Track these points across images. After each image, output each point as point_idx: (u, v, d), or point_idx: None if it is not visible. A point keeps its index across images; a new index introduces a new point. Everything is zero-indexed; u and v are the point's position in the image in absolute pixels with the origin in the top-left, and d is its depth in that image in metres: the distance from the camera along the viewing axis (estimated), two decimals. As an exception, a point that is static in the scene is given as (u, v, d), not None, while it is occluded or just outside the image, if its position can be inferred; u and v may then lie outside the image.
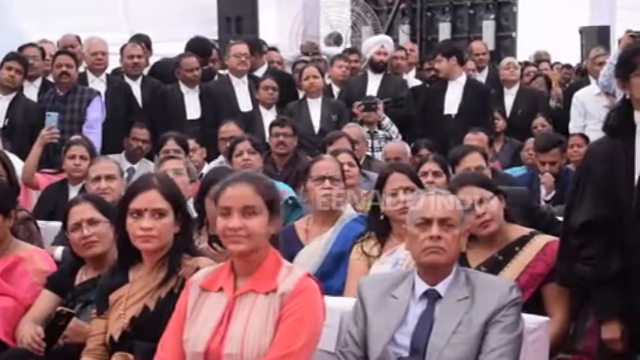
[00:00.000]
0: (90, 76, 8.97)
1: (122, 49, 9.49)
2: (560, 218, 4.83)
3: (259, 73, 9.83)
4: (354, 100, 9.22)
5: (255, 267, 3.62)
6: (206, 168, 7.60)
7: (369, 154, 8.42)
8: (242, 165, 6.65)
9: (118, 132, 8.54)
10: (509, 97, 10.16)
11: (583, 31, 14.11)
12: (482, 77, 10.61)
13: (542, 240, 4.65)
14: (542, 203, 7.04)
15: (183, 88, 9.11)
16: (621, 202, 4.19)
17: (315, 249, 5.24)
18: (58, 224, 5.50)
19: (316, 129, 8.82)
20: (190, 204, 5.43)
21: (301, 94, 9.43)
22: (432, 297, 3.84)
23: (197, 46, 10.07)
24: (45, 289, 4.61)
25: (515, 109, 10.07)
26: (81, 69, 9.09)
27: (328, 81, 10.09)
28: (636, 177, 4.12)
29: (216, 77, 10.05)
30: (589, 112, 8.83)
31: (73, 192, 6.67)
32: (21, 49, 9.04)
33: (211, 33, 11.53)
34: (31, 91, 8.69)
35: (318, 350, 3.73)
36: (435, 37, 15.14)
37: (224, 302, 3.61)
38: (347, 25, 14.14)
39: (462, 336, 3.71)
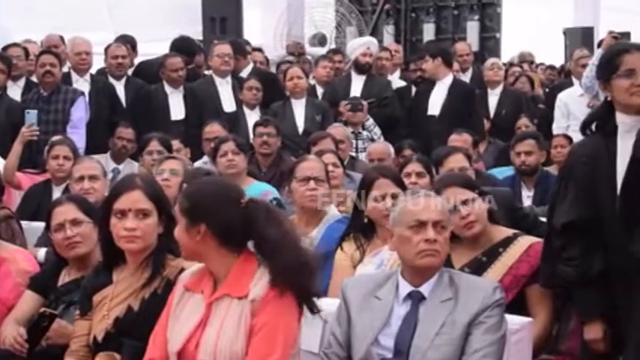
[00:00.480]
0: (74, 76, 8.94)
1: (107, 49, 9.47)
2: (544, 219, 4.85)
3: (244, 74, 9.81)
4: (338, 100, 9.23)
5: (227, 270, 3.60)
6: (190, 168, 7.59)
7: (353, 154, 8.43)
8: (226, 165, 6.66)
9: (101, 132, 8.52)
10: (493, 98, 10.18)
11: (567, 32, 14.17)
12: (466, 78, 10.62)
13: (525, 241, 4.65)
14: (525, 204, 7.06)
15: (168, 88, 9.10)
16: (603, 203, 4.21)
17: (299, 250, 5.23)
18: (41, 224, 5.49)
19: (300, 129, 8.83)
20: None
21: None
22: (416, 298, 3.84)
23: (182, 46, 10.07)
24: (28, 289, 4.59)
25: (499, 109, 10.09)
26: (65, 69, 9.06)
27: (312, 81, 10.09)
28: (618, 178, 4.13)
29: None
30: (572, 113, 8.85)
31: (57, 192, 6.66)
32: (4, 49, 9.00)
33: (196, 33, 11.51)
34: (15, 91, 8.65)
35: (301, 351, 3.73)
36: (420, 38, 15.16)
37: (203, 306, 3.60)
38: (331, 26, 14.16)
39: (446, 337, 3.71)
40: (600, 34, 11.26)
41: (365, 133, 8.96)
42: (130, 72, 9.67)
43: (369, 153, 8.20)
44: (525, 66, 13.00)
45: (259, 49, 11.52)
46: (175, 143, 7.67)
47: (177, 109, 9.07)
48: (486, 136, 9.47)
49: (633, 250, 3.87)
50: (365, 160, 8.26)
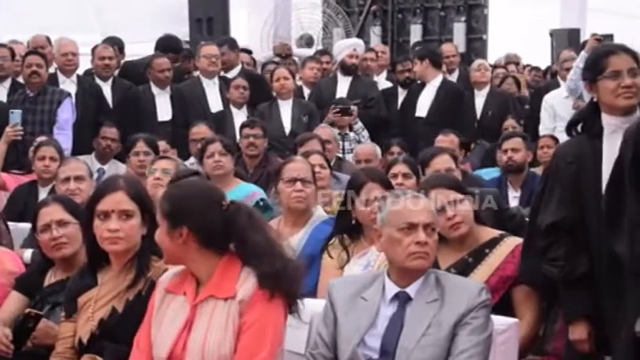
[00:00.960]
0: (60, 77, 8.92)
1: (93, 50, 9.46)
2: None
3: (233, 73, 9.81)
4: (325, 101, 9.23)
5: (211, 272, 3.59)
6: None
7: (340, 155, 8.43)
8: (213, 167, 6.64)
9: (88, 133, 8.50)
10: (480, 99, 10.18)
11: (553, 34, 14.19)
12: (452, 79, 10.60)
13: (512, 242, 4.66)
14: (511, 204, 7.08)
15: (155, 89, 9.09)
16: (588, 203, 4.22)
17: (285, 251, 5.23)
18: (27, 225, 5.47)
19: (287, 130, 8.82)
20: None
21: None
22: (402, 299, 3.84)
23: (167, 44, 10.07)
24: (14, 290, 4.57)
25: (486, 110, 10.09)
26: (51, 70, 9.04)
27: (299, 82, 10.09)
28: (603, 179, 4.14)
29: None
30: (558, 115, 8.86)
31: (43, 193, 6.65)
32: (-10, 49, 8.99)
33: (182, 34, 11.51)
34: (1, 92, 8.63)
35: (287, 352, 3.73)
36: (406, 39, 15.19)
37: (187, 308, 3.59)
38: (318, 27, 14.18)
39: (432, 338, 3.71)
40: (587, 36, 11.28)
41: (352, 134, 8.95)
42: (116, 73, 9.65)
43: (356, 154, 8.20)
44: (513, 67, 13.02)
45: (247, 51, 11.51)
46: (162, 144, 7.66)
47: (164, 110, 9.05)
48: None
49: (618, 250, 3.88)
50: (352, 161, 8.26)
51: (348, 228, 5.05)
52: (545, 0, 15.83)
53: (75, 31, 10.13)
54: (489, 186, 6.96)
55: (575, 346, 4.31)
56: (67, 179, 6.09)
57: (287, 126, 8.87)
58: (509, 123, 9.41)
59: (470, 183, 5.77)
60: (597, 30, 9.68)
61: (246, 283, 3.52)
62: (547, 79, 12.32)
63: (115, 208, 3.95)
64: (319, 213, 5.52)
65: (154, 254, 3.98)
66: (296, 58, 11.99)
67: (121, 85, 9.31)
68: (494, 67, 12.24)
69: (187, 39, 11.63)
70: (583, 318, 4.27)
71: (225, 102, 9.12)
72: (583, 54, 8.43)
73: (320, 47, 13.26)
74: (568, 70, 9.13)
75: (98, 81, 9.22)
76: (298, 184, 5.38)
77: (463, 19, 14.82)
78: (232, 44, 10.13)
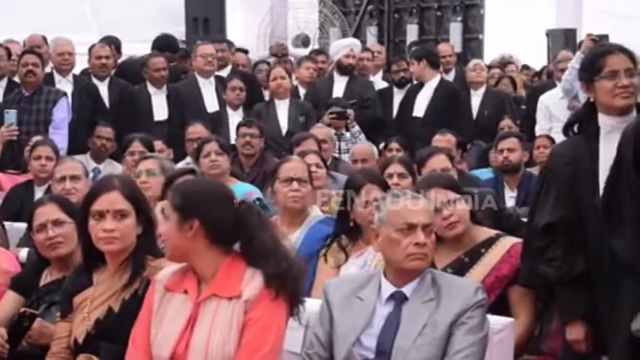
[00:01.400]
0: (56, 77, 8.91)
1: (90, 50, 9.45)
2: (526, 220, 4.86)
3: (224, 73, 9.81)
4: (321, 101, 9.22)
5: (215, 270, 3.59)
6: (173, 169, 7.58)
7: (336, 155, 8.42)
8: (209, 166, 6.65)
9: (84, 133, 8.49)
10: (476, 99, 10.17)
11: (550, 34, 14.18)
12: (448, 79, 10.63)
13: (507, 242, 4.67)
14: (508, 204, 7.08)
15: (151, 89, 9.09)
16: (585, 204, 4.22)
17: (282, 250, 5.23)
18: (23, 225, 5.47)
19: (283, 130, 8.81)
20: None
21: (266, 95, 9.43)
22: (398, 299, 3.83)
23: (163, 43, 10.07)
24: (9, 289, 4.57)
25: (482, 110, 10.08)
26: (47, 69, 9.03)
27: (295, 82, 10.09)
28: (600, 180, 4.14)
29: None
30: (554, 115, 8.86)
31: (39, 193, 6.65)
32: (-14, 49, 8.99)
33: (179, 34, 11.50)
34: (-4, 92, 8.65)
35: (284, 351, 3.73)
36: (403, 39, 15.21)
37: (189, 306, 3.59)
38: (314, 27, 14.18)
39: (428, 337, 3.71)
40: (583, 36, 11.29)
41: (348, 134, 8.94)
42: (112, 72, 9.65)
43: (352, 154, 8.18)
44: (512, 67, 13.01)
45: (244, 51, 11.51)
46: (158, 144, 7.66)
47: (160, 110, 9.05)
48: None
49: (616, 248, 3.88)
50: (348, 160, 8.25)
51: (347, 229, 5.04)
52: (541, 0, 15.82)
53: (71, 30, 10.11)
54: (484, 186, 6.95)
55: (573, 347, 4.30)
56: (63, 179, 6.09)
57: (284, 126, 8.87)
58: (506, 123, 9.40)
59: (466, 183, 5.77)
60: (593, 30, 9.67)
61: (252, 283, 3.52)
62: (542, 79, 12.31)
63: (110, 208, 3.94)
64: (315, 212, 5.52)
65: (150, 253, 3.99)
66: (292, 58, 11.99)
67: (117, 85, 9.30)
68: (490, 67, 12.25)
69: (184, 38, 11.63)
70: (580, 318, 4.26)
71: (222, 102, 9.11)
72: (579, 54, 8.44)
73: (316, 47, 13.25)
74: (563, 70, 9.12)
75: (95, 80, 9.21)
76: (294, 184, 5.38)
77: (459, 19, 14.84)
78: (228, 43, 10.14)
